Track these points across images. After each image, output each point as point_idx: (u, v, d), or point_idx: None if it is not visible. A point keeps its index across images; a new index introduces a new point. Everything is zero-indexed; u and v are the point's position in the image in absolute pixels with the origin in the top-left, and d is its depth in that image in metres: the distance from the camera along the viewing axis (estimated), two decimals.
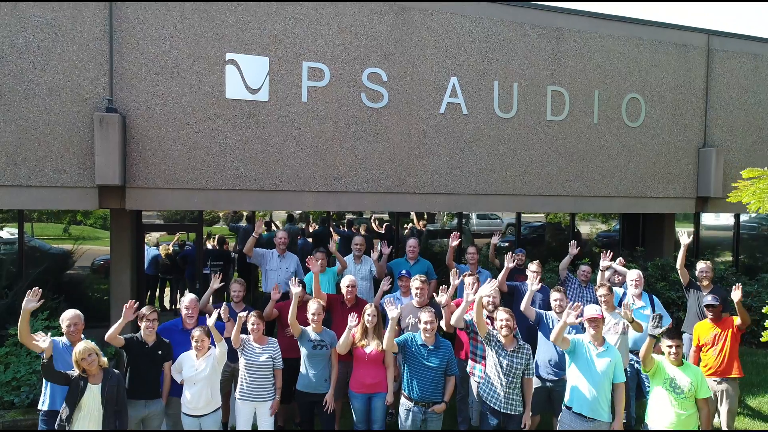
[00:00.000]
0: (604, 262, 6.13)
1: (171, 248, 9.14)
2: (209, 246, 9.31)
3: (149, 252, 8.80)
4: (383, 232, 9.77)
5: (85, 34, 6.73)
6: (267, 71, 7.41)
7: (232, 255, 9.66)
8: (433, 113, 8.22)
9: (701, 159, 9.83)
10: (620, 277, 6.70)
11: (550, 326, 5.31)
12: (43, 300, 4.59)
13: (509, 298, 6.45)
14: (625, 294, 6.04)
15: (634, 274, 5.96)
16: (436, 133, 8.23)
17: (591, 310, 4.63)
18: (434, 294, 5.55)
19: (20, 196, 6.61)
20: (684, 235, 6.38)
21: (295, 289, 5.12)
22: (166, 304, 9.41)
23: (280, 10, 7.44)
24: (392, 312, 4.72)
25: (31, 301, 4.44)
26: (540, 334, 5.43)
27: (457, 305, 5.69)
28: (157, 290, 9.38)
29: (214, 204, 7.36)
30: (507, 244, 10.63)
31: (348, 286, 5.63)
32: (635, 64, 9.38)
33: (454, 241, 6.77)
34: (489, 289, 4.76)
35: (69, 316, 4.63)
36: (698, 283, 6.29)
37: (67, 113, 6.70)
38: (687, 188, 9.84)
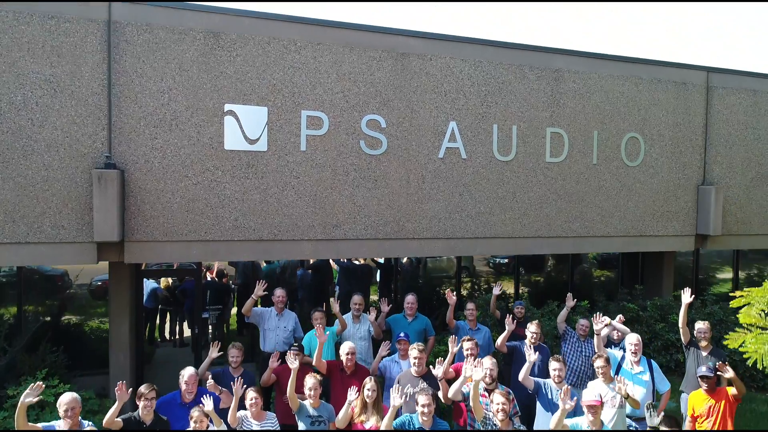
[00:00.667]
0: (597, 325, 6.11)
1: (170, 280, 9.16)
2: (208, 278, 9.33)
3: (148, 284, 8.81)
4: (382, 261, 9.78)
5: (84, 90, 6.72)
6: (266, 121, 7.40)
7: (232, 286, 9.68)
8: (432, 158, 8.21)
9: (700, 196, 9.83)
10: (619, 334, 6.70)
11: (549, 396, 5.32)
12: (41, 396, 4.55)
13: (509, 358, 6.46)
14: (623, 358, 6.03)
15: (633, 339, 5.95)
16: (435, 178, 8.23)
17: (590, 395, 4.63)
18: (430, 367, 5.53)
19: (19, 253, 6.59)
20: (686, 293, 6.39)
21: (293, 365, 5.10)
22: (166, 335, 9.45)
23: (278, 60, 7.43)
24: (395, 400, 4.72)
25: (30, 395, 4.42)
26: (538, 404, 5.43)
27: (456, 370, 5.71)
28: (157, 320, 9.41)
29: (213, 255, 7.37)
30: (506, 260, 10.64)
31: (347, 354, 5.62)
32: (634, 103, 9.38)
33: (451, 299, 6.75)
34: (481, 373, 4.76)
35: (66, 400, 4.61)
36: (698, 343, 6.28)
37: (66, 169, 6.69)
38: (686, 226, 9.84)
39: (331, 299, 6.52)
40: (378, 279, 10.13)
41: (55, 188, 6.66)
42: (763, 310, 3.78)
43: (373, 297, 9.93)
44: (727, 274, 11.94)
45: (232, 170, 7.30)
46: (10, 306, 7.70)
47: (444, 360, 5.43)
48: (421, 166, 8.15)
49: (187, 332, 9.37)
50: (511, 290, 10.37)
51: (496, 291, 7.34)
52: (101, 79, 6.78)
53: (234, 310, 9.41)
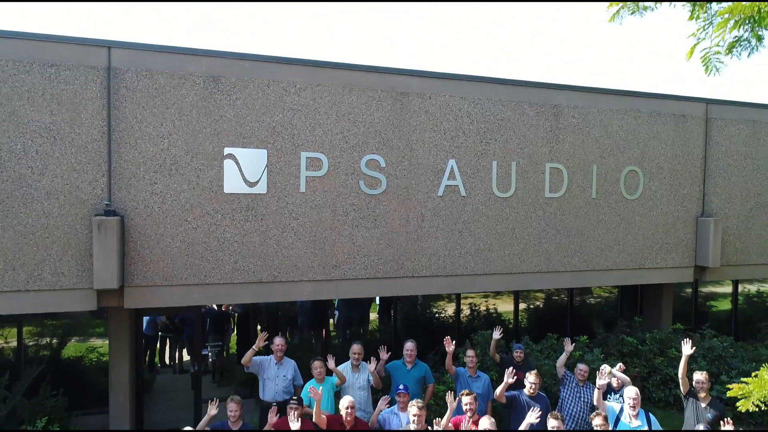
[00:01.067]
0: (601, 380, 6.12)
1: None
2: (207, 305, 9.34)
3: None
4: None
5: (84, 137, 6.74)
6: (265, 164, 7.42)
7: (231, 312, 9.69)
8: (432, 196, 8.23)
9: (699, 228, 9.84)
10: (619, 381, 6.71)
11: None
12: None
13: (508, 405, 6.46)
14: (622, 410, 6.04)
15: (632, 393, 5.95)
16: (434, 216, 8.24)
17: None
18: (429, 428, 5.54)
19: (19, 301, 6.61)
20: (687, 345, 6.41)
21: (295, 426, 5.12)
22: (166, 361, 9.46)
23: (278, 102, 7.45)
24: None
25: None
26: None
27: (455, 424, 5.72)
28: (157, 346, 9.42)
29: (213, 298, 7.38)
30: None
31: (347, 408, 5.63)
32: (633, 136, 9.39)
33: (449, 347, 6.75)
34: None
35: None
36: (697, 394, 6.29)
37: (66, 216, 6.70)
38: (685, 257, 9.86)
39: (329, 359, 6.50)
40: (378, 302, 10.15)
41: (55, 235, 6.67)
42: (758, 405, 3.79)
43: (373, 315, 9.92)
44: (727, 288, 11.94)
45: (231, 213, 7.31)
46: (10, 327, 7.66)
47: (441, 419, 5.45)
48: (420, 205, 8.16)
49: (186, 357, 9.39)
50: (510, 307, 10.30)
51: (496, 335, 7.34)
52: (101, 126, 6.79)
53: (234, 335, 9.42)
